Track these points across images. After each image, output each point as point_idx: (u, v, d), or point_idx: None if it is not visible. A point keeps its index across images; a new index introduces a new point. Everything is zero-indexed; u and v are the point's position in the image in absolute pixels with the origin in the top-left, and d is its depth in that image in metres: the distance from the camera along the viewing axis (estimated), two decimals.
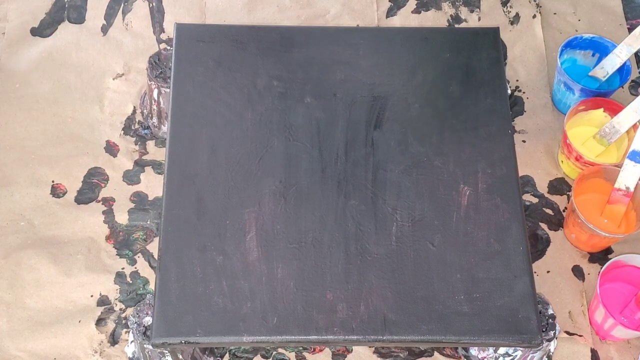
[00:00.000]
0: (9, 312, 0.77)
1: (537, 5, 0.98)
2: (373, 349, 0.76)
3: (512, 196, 0.69)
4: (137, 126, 0.88)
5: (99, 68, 0.92)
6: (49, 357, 0.75)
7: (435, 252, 0.66)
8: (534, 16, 0.97)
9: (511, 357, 0.70)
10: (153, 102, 0.84)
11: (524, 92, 0.92)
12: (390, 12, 0.97)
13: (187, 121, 0.71)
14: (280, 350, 0.76)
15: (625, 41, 0.83)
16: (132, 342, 0.74)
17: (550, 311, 0.70)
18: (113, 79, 0.91)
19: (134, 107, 0.89)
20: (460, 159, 0.71)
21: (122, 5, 0.96)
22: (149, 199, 0.84)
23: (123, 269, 0.80)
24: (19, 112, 0.88)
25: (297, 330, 0.63)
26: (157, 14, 0.96)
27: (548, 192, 0.85)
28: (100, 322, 0.77)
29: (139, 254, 0.81)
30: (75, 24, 0.95)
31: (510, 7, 0.98)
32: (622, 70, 0.86)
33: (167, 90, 0.81)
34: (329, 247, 0.66)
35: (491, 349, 0.71)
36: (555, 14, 0.98)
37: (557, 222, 0.83)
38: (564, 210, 0.84)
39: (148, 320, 0.68)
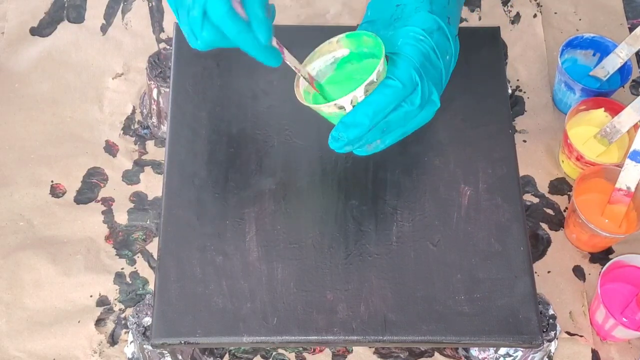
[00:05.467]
0: (8, 312, 0.77)
1: (538, 5, 0.98)
2: (373, 349, 0.76)
3: (512, 196, 0.69)
4: (136, 126, 0.88)
5: (99, 68, 0.92)
6: (48, 357, 0.75)
7: (435, 252, 0.66)
8: (535, 15, 0.97)
9: (512, 358, 0.70)
10: (152, 102, 0.84)
11: (524, 92, 0.91)
12: None
13: (187, 121, 0.71)
14: (280, 350, 0.76)
15: (626, 41, 0.83)
16: (131, 342, 0.74)
17: (551, 311, 0.70)
18: (112, 79, 0.91)
19: (134, 106, 0.89)
20: (460, 158, 0.71)
21: (122, 4, 0.96)
22: (149, 199, 0.84)
23: (122, 269, 0.80)
24: (18, 112, 0.88)
25: (297, 330, 0.62)
26: (156, 14, 0.96)
27: (549, 192, 0.85)
28: (99, 322, 0.77)
29: (139, 254, 0.81)
30: (74, 23, 0.95)
31: (511, 6, 0.98)
32: (623, 70, 0.86)
33: (167, 89, 0.81)
34: (329, 247, 0.66)
35: (492, 350, 0.71)
36: (556, 13, 0.98)
37: (557, 222, 0.83)
38: (564, 210, 0.84)
39: (147, 320, 0.68)
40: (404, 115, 0.59)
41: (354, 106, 0.57)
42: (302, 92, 0.60)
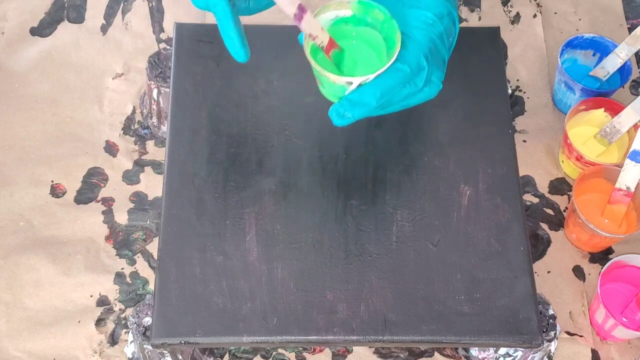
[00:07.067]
0: (8, 312, 0.77)
1: (538, 5, 0.98)
2: (373, 349, 0.76)
3: (512, 196, 0.69)
4: (136, 126, 0.88)
5: (99, 68, 0.92)
6: (48, 357, 0.75)
7: (435, 252, 0.66)
8: (535, 15, 0.97)
9: (512, 358, 0.70)
10: (152, 102, 0.84)
11: (524, 92, 0.91)
12: None
13: (187, 121, 0.71)
14: (280, 350, 0.76)
15: (625, 41, 0.83)
16: (131, 342, 0.74)
17: (550, 311, 0.70)
18: (112, 79, 0.91)
19: (134, 106, 0.89)
20: (460, 158, 0.71)
21: (122, 4, 0.96)
22: (149, 199, 0.84)
23: (122, 269, 0.80)
24: (18, 111, 0.88)
25: (297, 330, 0.62)
26: (156, 14, 0.96)
27: (549, 192, 0.85)
28: (99, 322, 0.77)
29: (139, 254, 0.81)
30: (74, 23, 0.95)
31: (511, 6, 0.98)
32: (623, 70, 0.86)
33: (167, 89, 0.81)
34: (329, 247, 0.66)
35: (492, 350, 0.71)
36: (556, 13, 0.98)
37: (557, 222, 0.83)
38: (564, 210, 0.84)
39: (147, 320, 0.68)
40: (406, 94, 0.60)
41: (360, 84, 0.57)
42: (309, 48, 0.59)
